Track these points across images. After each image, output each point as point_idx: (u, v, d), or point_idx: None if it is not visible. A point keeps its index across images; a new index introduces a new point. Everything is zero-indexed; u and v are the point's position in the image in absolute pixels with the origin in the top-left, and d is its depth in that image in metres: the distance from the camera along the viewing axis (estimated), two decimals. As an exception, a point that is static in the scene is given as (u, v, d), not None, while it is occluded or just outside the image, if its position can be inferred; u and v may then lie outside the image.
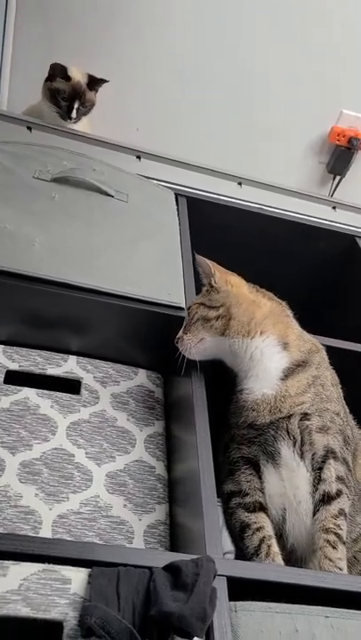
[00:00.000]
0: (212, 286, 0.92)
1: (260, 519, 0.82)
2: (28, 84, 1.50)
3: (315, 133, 1.69)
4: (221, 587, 0.63)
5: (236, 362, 0.89)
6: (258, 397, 0.86)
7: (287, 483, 0.83)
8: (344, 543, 0.79)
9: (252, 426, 0.86)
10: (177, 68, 1.54)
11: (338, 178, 1.72)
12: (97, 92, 1.41)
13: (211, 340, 0.88)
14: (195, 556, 0.63)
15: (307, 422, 0.84)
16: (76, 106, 1.35)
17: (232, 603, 0.63)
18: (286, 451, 0.84)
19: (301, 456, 0.83)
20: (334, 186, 1.73)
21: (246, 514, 0.82)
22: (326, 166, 1.72)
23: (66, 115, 1.36)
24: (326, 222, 1.50)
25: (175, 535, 0.85)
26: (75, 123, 1.42)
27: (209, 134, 1.64)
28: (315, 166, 1.74)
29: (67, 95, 1.35)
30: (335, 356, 0.98)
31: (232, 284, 0.91)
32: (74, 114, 1.35)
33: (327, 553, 0.77)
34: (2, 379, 0.94)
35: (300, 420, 0.84)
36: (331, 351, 0.98)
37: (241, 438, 0.88)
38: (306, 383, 0.86)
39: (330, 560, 0.76)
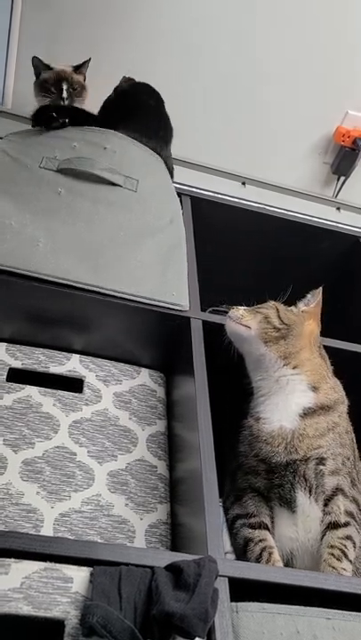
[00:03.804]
0: (298, 308, 0.96)
1: (263, 534, 0.82)
2: (32, 82, 1.51)
3: (319, 134, 1.68)
4: (223, 587, 0.63)
5: (261, 374, 0.90)
6: (275, 429, 0.85)
7: (301, 529, 0.83)
8: (351, 562, 0.78)
9: (264, 461, 0.85)
10: (181, 66, 1.54)
11: (342, 179, 1.71)
12: (84, 75, 1.42)
13: (253, 334, 0.90)
14: (196, 556, 0.63)
15: (321, 467, 0.83)
16: (65, 87, 1.38)
17: (233, 603, 0.63)
18: (303, 498, 0.83)
19: (316, 500, 0.83)
20: (339, 187, 1.73)
21: (250, 530, 0.82)
22: (331, 167, 1.71)
23: (58, 98, 1.38)
24: (330, 223, 1.50)
25: (177, 535, 0.85)
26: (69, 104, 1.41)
27: (212, 134, 1.63)
28: (319, 167, 1.73)
29: (53, 80, 1.38)
30: (338, 357, 0.98)
31: (309, 324, 0.94)
32: (64, 94, 1.37)
33: (331, 562, 0.76)
34: (5, 376, 0.94)
35: (316, 464, 0.84)
36: (333, 352, 0.98)
37: (249, 468, 0.87)
38: (325, 427, 0.86)
39: (333, 568, 0.76)
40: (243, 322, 0.91)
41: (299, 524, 0.83)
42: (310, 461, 0.83)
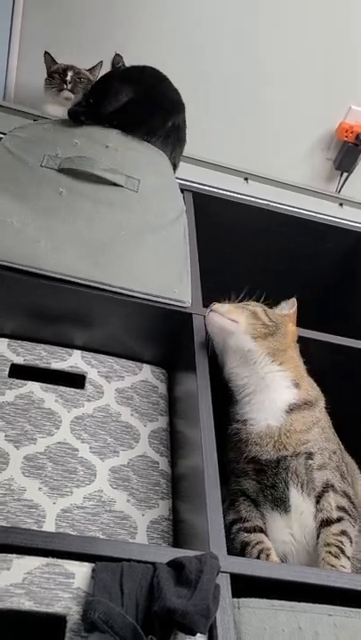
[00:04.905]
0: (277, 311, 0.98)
1: (260, 537, 0.82)
2: (34, 77, 1.50)
3: (322, 129, 1.68)
4: (225, 583, 0.63)
5: (247, 371, 0.89)
6: (262, 429, 0.85)
7: (296, 528, 0.82)
8: (348, 558, 0.78)
9: (255, 460, 0.85)
10: (184, 66, 1.53)
11: (345, 174, 1.71)
12: (96, 76, 1.41)
13: (241, 329, 0.89)
14: (198, 553, 0.63)
15: (310, 461, 0.84)
16: (70, 74, 1.38)
17: (235, 600, 0.63)
18: (296, 494, 0.83)
19: (308, 495, 0.83)
20: (341, 182, 1.72)
21: (246, 534, 0.82)
22: (333, 163, 1.71)
23: (61, 83, 1.38)
24: (333, 219, 1.50)
25: (178, 531, 0.85)
26: (71, 92, 1.38)
27: (215, 129, 1.63)
28: (322, 162, 1.73)
29: (60, 70, 1.39)
30: (341, 354, 0.97)
31: (292, 327, 0.95)
32: (68, 78, 1.37)
33: (329, 561, 0.76)
34: (7, 372, 0.94)
35: (306, 459, 0.84)
36: (337, 349, 0.98)
37: (240, 471, 0.87)
38: (311, 421, 0.86)
39: (332, 566, 0.75)
40: (229, 316, 0.90)
41: (293, 524, 0.83)
42: (300, 456, 0.84)
